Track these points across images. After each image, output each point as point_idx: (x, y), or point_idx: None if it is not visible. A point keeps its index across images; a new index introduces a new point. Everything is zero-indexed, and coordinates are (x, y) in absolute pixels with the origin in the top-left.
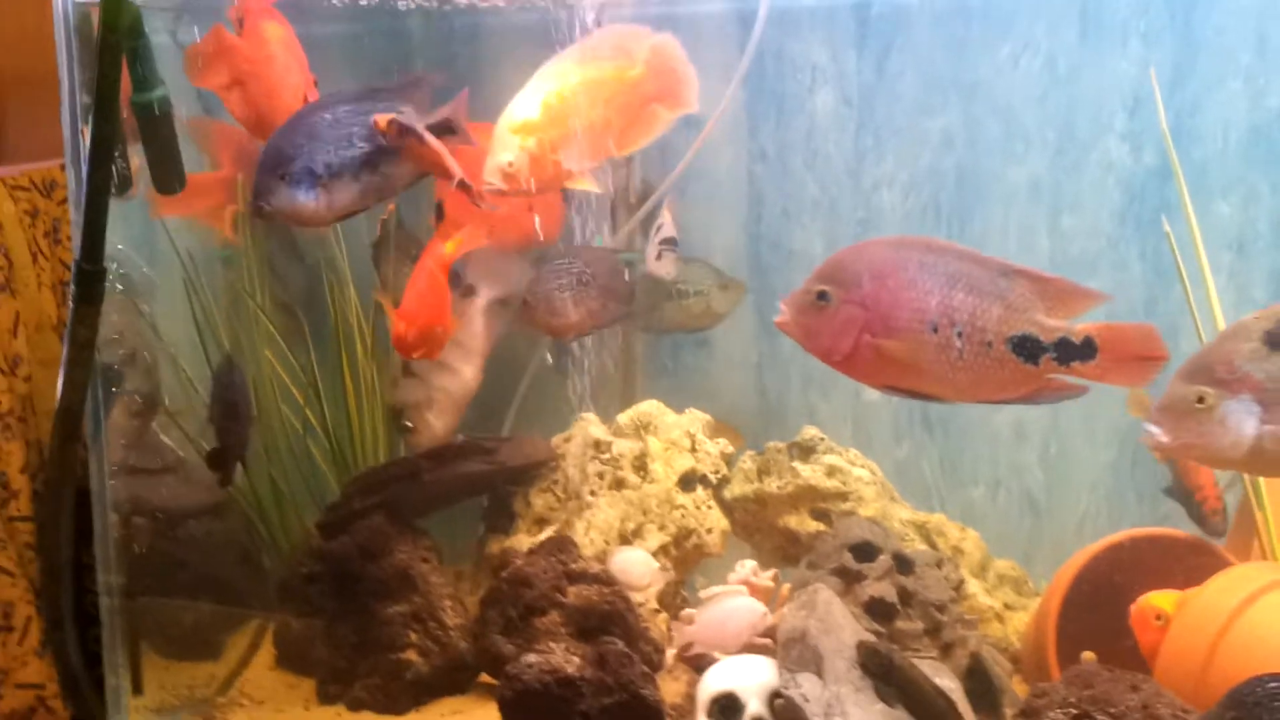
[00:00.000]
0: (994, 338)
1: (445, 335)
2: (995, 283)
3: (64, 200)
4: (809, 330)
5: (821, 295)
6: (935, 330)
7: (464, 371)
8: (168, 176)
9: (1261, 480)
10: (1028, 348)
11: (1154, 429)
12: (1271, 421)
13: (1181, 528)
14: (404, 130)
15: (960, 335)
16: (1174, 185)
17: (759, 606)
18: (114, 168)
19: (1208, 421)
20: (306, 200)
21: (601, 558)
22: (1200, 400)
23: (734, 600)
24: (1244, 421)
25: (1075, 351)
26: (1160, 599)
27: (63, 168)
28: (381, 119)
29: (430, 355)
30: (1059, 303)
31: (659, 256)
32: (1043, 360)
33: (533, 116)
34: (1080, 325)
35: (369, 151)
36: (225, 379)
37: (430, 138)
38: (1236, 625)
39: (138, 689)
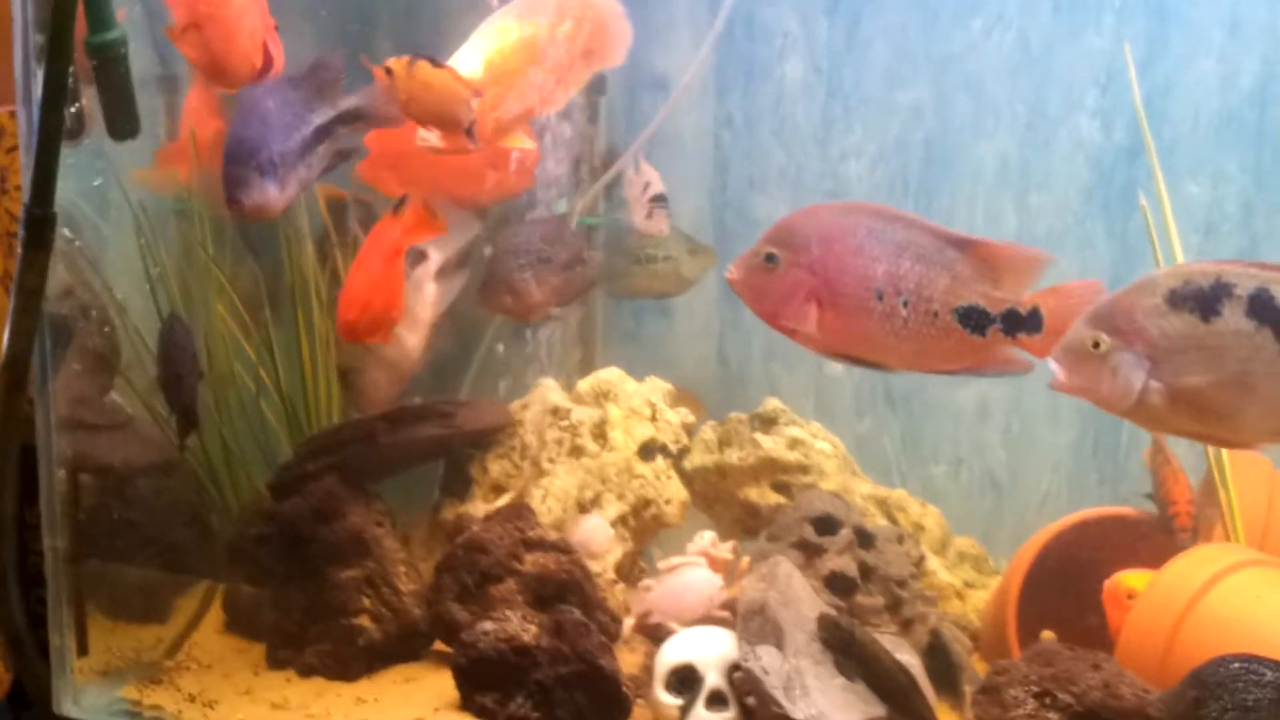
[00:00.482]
0: (940, 307)
1: (392, 320)
2: (943, 252)
3: (12, 149)
4: (756, 292)
5: (769, 257)
6: (881, 298)
7: (407, 339)
8: (123, 122)
9: (1225, 459)
10: (974, 318)
11: (1054, 366)
12: (1157, 377)
13: (1144, 507)
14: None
15: (906, 304)
16: (1143, 164)
17: (716, 579)
18: (66, 111)
19: (1101, 367)
20: (276, 190)
21: (559, 525)
22: (1096, 345)
23: (692, 571)
24: (1133, 373)
25: (1021, 323)
26: (1133, 578)
27: (10, 115)
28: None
29: (378, 339)
30: (1008, 272)
31: (650, 215)
32: (990, 331)
33: (475, 73)
34: (1029, 295)
35: (317, 131)
36: (171, 337)
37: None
38: (1198, 606)
39: (83, 650)
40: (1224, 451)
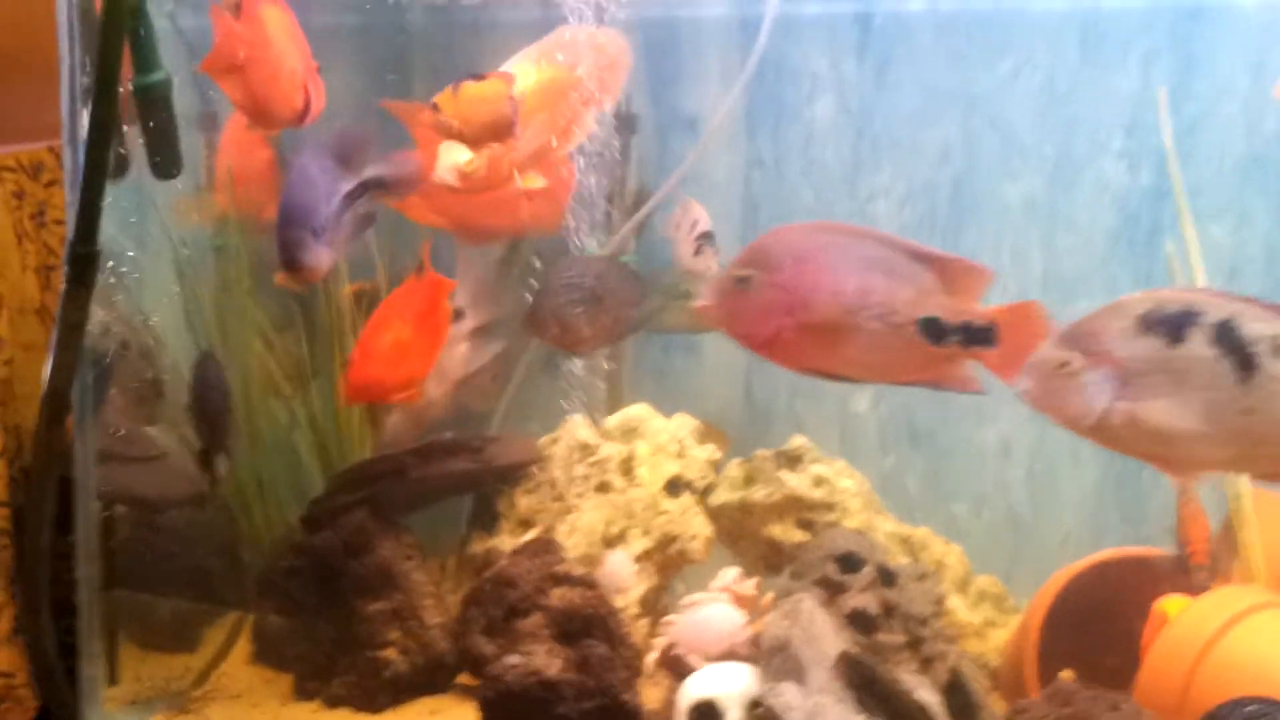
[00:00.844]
0: (904, 319)
1: (401, 386)
2: (907, 265)
3: (51, 183)
4: (732, 314)
5: (742, 280)
6: (852, 312)
7: (428, 392)
8: (166, 161)
9: (1245, 500)
10: (934, 330)
11: (1023, 381)
12: (1122, 399)
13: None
14: None
15: (876, 317)
16: (1168, 207)
17: (738, 615)
18: (112, 150)
19: (1069, 385)
20: (326, 253)
21: (586, 561)
22: (1064, 365)
23: (714, 607)
24: (1099, 393)
25: (977, 335)
26: (1174, 604)
27: (50, 150)
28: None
29: (396, 400)
30: (961, 285)
31: (697, 251)
32: (948, 343)
33: None
34: (986, 310)
35: (349, 196)
36: (203, 374)
37: None
38: (1216, 648)
39: (113, 679)
40: (1244, 492)
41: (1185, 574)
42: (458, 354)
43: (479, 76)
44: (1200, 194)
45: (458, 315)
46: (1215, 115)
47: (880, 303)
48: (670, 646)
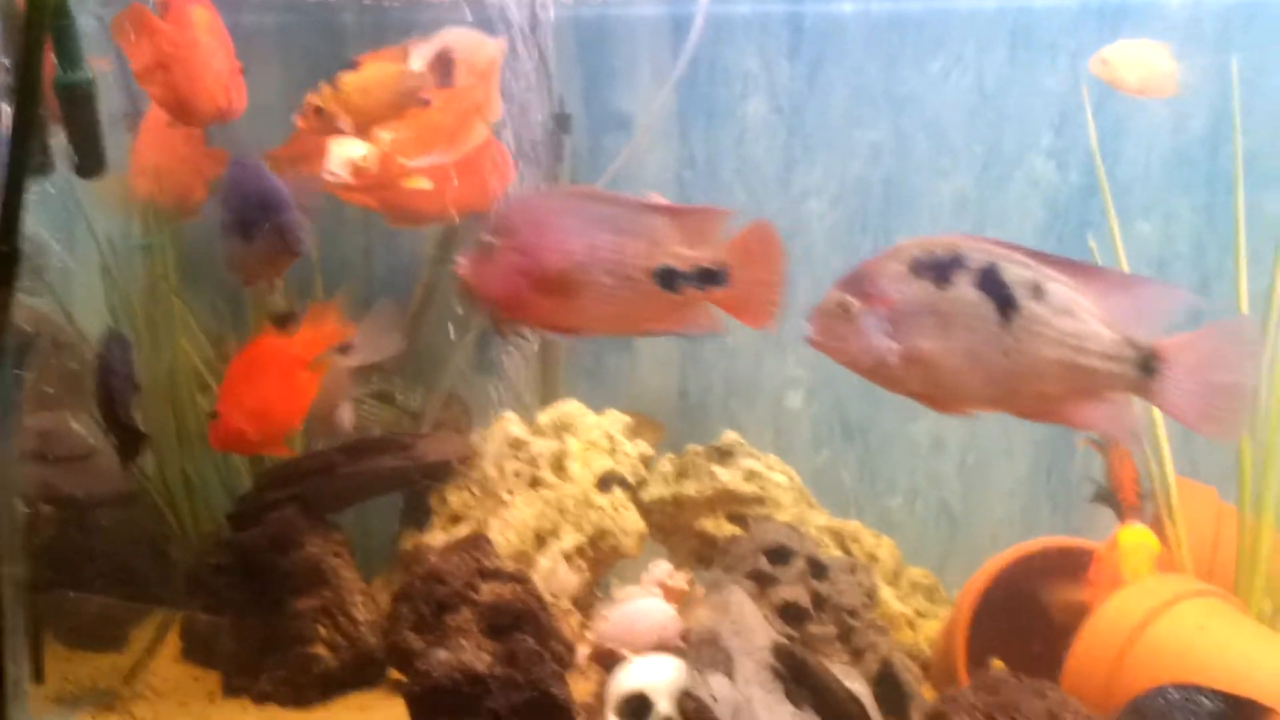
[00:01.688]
0: (638, 271)
1: (266, 441)
2: (639, 220)
3: None
4: (479, 278)
5: (486, 246)
6: (582, 268)
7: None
8: (89, 161)
9: (1174, 494)
10: (668, 277)
11: (808, 326)
12: (897, 339)
13: (1096, 538)
14: None
15: (607, 271)
16: (1097, 203)
17: (669, 608)
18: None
19: (849, 328)
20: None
21: (518, 557)
22: (844, 307)
23: (645, 601)
24: (875, 334)
25: (711, 276)
26: (1127, 530)
27: None
28: None
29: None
30: (696, 231)
31: None
32: (683, 288)
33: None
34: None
35: None
36: (108, 354)
37: None
38: (1142, 636)
39: (39, 678)
40: (1171, 484)
41: (1117, 513)
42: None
43: (352, 65)
44: (1128, 191)
45: (348, 348)
46: (1142, 114)
47: (608, 257)
48: (601, 640)
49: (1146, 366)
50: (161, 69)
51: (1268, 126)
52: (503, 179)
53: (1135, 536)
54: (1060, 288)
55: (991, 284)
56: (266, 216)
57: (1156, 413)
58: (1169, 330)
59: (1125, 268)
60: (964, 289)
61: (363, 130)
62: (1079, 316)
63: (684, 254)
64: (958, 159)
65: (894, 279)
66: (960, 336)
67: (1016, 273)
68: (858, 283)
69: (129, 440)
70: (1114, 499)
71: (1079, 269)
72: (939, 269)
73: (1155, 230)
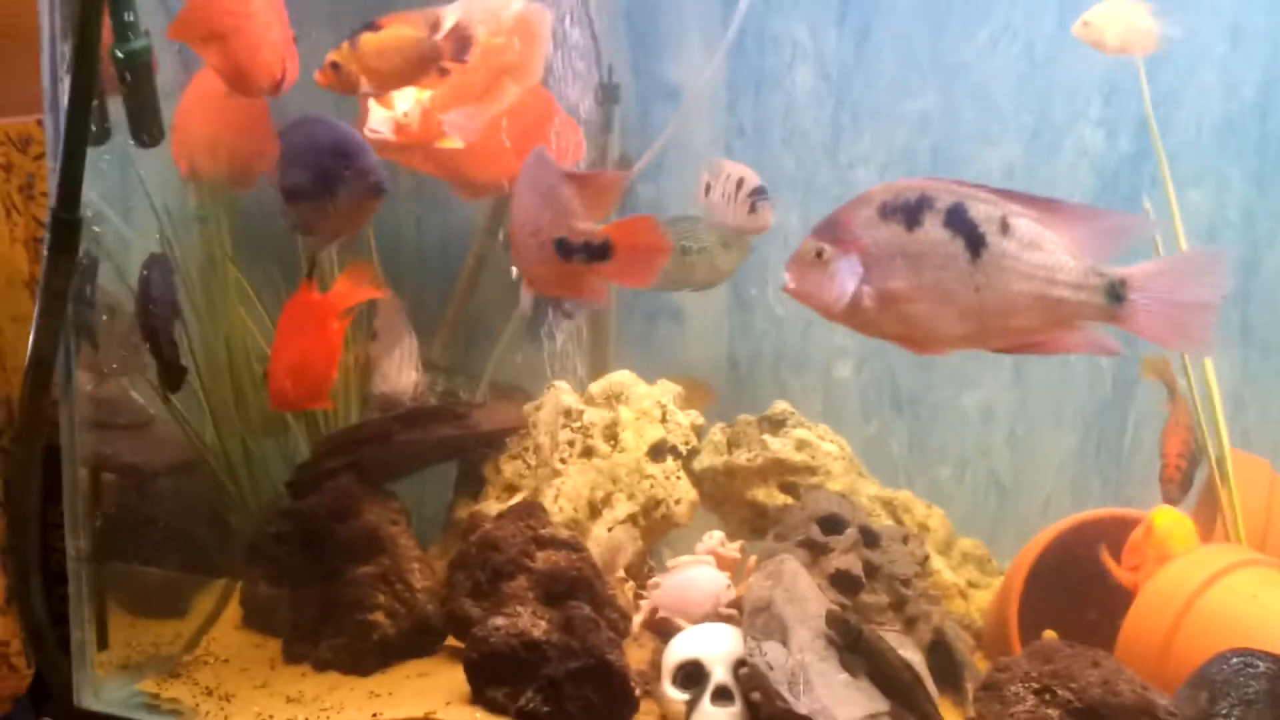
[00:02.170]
0: (547, 238)
1: (326, 388)
2: (557, 187)
3: (39, 155)
4: None
5: None
6: (519, 232)
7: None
8: (147, 129)
9: (1227, 460)
10: (564, 248)
11: (786, 275)
12: (868, 282)
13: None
14: None
15: (530, 235)
16: (1147, 172)
17: (722, 577)
18: (92, 117)
19: (822, 274)
20: None
21: (572, 525)
22: (819, 254)
23: (698, 569)
24: (848, 278)
25: (597, 251)
26: (1159, 513)
27: (39, 123)
28: None
29: (313, 406)
30: (596, 199)
31: (752, 209)
32: (577, 259)
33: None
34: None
35: None
36: (149, 280)
37: None
38: (1196, 605)
39: (103, 645)
40: (1226, 452)
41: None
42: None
43: (374, 26)
44: (1178, 160)
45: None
46: (1192, 81)
47: (528, 221)
48: (655, 609)
49: (1114, 293)
50: (218, 39)
51: None
52: (572, 151)
53: (1168, 518)
54: (1026, 222)
55: (959, 222)
56: (346, 163)
57: (1213, 386)
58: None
59: (1181, 235)
60: (933, 229)
61: (383, 92)
62: (1046, 249)
63: (578, 227)
64: (1006, 127)
65: (864, 224)
66: (932, 276)
67: (983, 210)
68: (830, 230)
69: (170, 372)
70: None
71: (1042, 203)
72: (908, 211)
73: (1206, 199)
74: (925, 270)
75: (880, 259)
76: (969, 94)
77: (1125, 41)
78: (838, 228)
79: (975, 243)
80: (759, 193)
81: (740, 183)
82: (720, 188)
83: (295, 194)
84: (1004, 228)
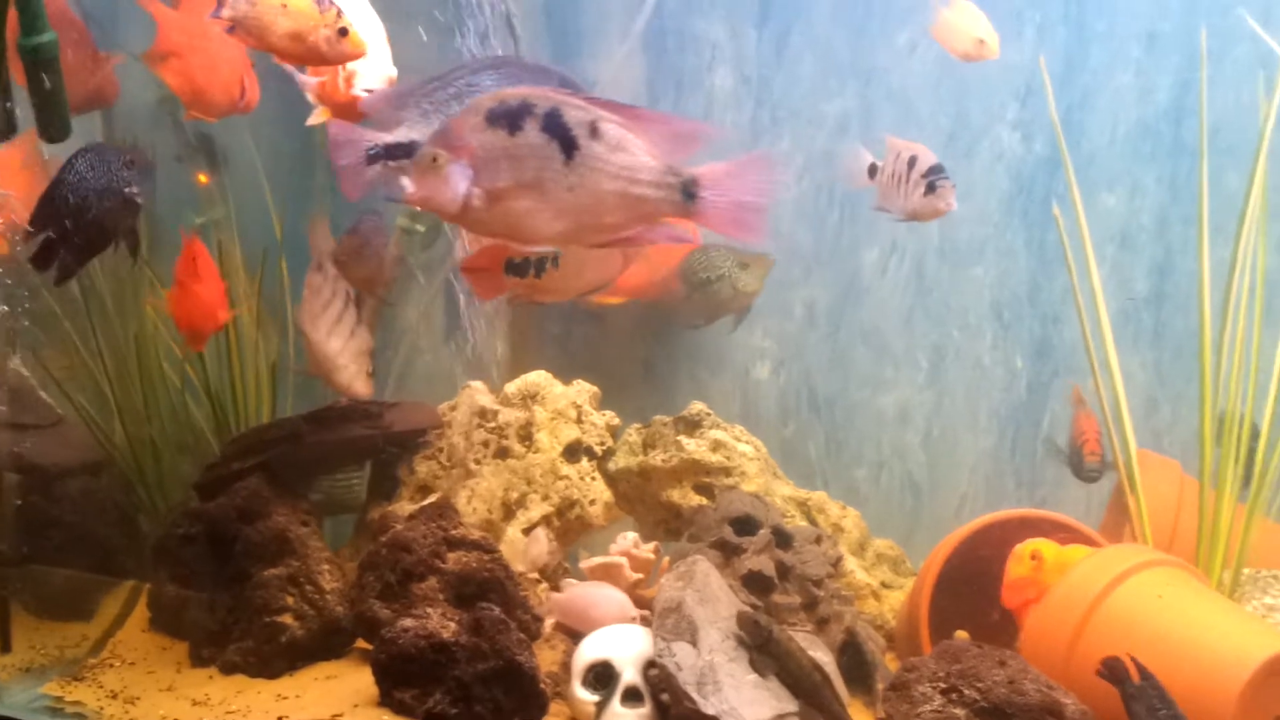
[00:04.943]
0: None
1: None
2: None
3: None
4: None
5: None
6: None
7: None
8: (53, 124)
9: (1135, 464)
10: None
11: (404, 181)
12: (477, 183)
13: (1059, 509)
14: None
15: None
16: (1062, 175)
17: (629, 607)
18: None
19: (438, 178)
20: None
21: (485, 526)
22: (434, 160)
23: (607, 590)
24: (459, 181)
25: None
26: (1040, 544)
27: None
28: None
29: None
30: None
31: (930, 189)
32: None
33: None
34: None
35: None
36: (72, 162)
37: None
38: (1102, 605)
39: (6, 647)
40: (1134, 456)
41: (1078, 466)
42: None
43: None
44: (1093, 164)
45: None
46: (1108, 85)
47: None
48: (556, 621)
49: (688, 191)
50: (174, 57)
51: (1230, 99)
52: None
53: (1052, 549)
54: (613, 127)
55: (555, 127)
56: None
57: (1120, 390)
58: None
59: (1088, 242)
60: (532, 134)
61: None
62: (630, 151)
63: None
64: (924, 130)
65: (473, 130)
66: (532, 177)
67: (575, 115)
68: (444, 137)
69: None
70: (1077, 455)
71: (627, 110)
72: (510, 117)
73: (1120, 203)
74: (526, 172)
75: (487, 162)
76: (887, 96)
77: (975, 49)
78: (450, 135)
79: (569, 145)
80: (935, 171)
81: (912, 161)
82: (890, 167)
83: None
84: (594, 131)
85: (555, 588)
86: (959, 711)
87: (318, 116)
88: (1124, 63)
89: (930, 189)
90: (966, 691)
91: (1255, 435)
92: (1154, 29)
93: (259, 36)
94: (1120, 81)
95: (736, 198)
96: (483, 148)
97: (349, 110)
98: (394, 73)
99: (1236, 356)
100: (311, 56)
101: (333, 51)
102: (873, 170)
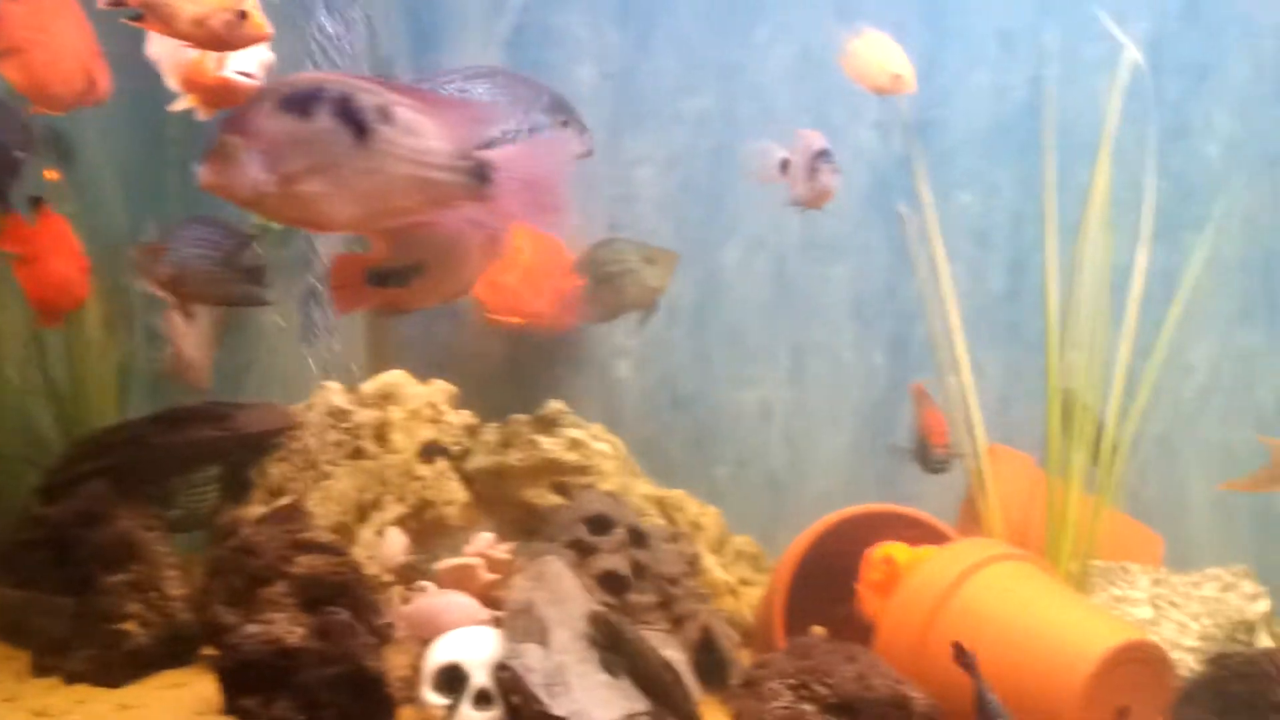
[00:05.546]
0: None
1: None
2: None
3: None
4: None
5: None
6: None
7: None
8: None
9: (985, 460)
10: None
11: (202, 169)
12: (270, 170)
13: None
14: None
15: None
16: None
17: (478, 611)
18: None
19: (233, 167)
20: None
21: (339, 529)
22: (229, 148)
23: (452, 597)
24: (253, 168)
25: None
26: (892, 548)
27: None
28: None
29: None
30: None
31: (813, 173)
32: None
33: None
34: None
35: None
36: None
37: None
38: (951, 600)
39: None
40: (983, 452)
41: (926, 461)
42: None
43: None
44: (950, 162)
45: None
46: (965, 83)
47: None
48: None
49: (480, 175)
50: (15, 53)
51: (1082, 96)
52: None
53: (905, 552)
54: (406, 111)
55: (346, 112)
56: None
57: (968, 384)
58: None
59: (939, 240)
60: (323, 119)
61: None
62: (422, 135)
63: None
64: (784, 127)
65: (266, 116)
66: (325, 162)
67: (367, 99)
68: (239, 124)
69: None
70: (924, 448)
71: (420, 93)
72: (301, 103)
73: (976, 201)
74: (318, 157)
75: (280, 149)
76: (747, 93)
77: (882, 84)
78: (244, 122)
79: (361, 130)
80: (823, 155)
81: (805, 144)
82: (793, 150)
83: None
84: (385, 116)
85: (410, 589)
86: (809, 707)
87: (183, 103)
88: (981, 61)
89: (814, 172)
90: (816, 688)
91: (1100, 427)
92: (1009, 26)
93: (167, 22)
94: (977, 79)
95: (528, 179)
96: (275, 135)
97: (218, 94)
98: (271, 57)
99: (1080, 350)
100: (213, 42)
101: (232, 35)
102: (784, 165)
